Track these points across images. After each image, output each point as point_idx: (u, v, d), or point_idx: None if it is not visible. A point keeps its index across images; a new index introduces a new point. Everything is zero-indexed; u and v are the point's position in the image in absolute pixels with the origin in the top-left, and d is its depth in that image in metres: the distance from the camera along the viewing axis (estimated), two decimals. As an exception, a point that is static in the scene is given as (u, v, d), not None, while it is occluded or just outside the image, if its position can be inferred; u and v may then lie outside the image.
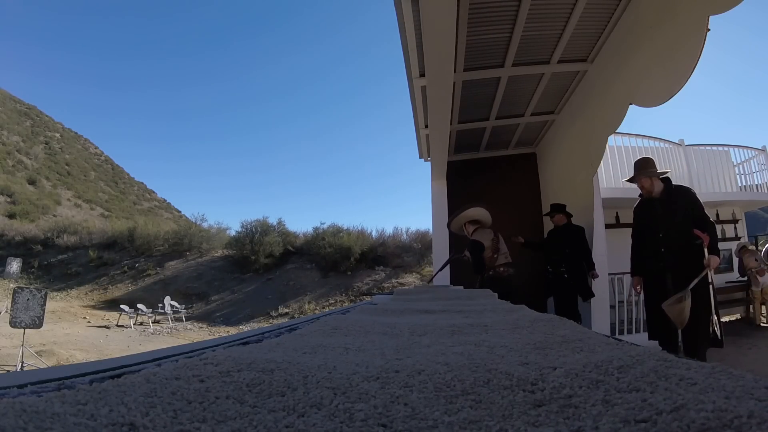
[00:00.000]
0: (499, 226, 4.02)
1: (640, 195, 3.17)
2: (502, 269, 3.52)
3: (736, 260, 7.09)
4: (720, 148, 7.88)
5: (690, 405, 0.36)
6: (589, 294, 4.06)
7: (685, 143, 7.41)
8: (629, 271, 3.31)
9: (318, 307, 12.55)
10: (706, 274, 2.75)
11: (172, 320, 12.27)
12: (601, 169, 5.88)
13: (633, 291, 3.43)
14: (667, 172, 3.25)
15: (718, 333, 2.82)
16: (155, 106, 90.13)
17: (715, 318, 2.79)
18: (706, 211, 2.91)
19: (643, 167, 3.11)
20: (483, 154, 5.97)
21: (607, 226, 5.40)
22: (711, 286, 2.81)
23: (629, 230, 3.32)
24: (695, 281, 2.66)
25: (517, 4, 3.17)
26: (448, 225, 4.00)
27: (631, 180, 3.18)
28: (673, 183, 3.12)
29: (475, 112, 4.82)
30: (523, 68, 4.00)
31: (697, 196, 2.99)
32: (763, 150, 8.02)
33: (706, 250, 2.78)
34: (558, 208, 4.22)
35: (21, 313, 6.52)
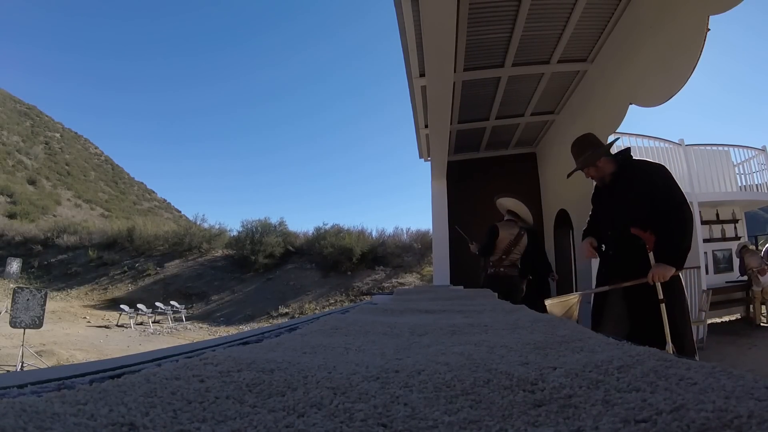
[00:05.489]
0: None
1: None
2: (502, 269, 3.52)
3: (736, 260, 7.10)
4: (720, 148, 7.88)
5: (690, 405, 0.36)
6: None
7: (685, 143, 7.40)
8: None
9: (318, 307, 12.55)
10: (656, 290, 1.82)
11: (172, 320, 12.27)
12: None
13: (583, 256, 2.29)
14: (616, 139, 2.55)
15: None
16: (155, 106, 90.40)
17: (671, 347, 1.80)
18: (681, 197, 1.87)
19: (581, 151, 2.11)
20: (483, 154, 5.97)
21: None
22: (676, 307, 1.87)
23: None
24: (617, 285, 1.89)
25: (517, 4, 3.17)
26: (496, 199, 3.77)
27: (570, 174, 2.26)
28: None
29: (475, 112, 4.82)
30: (523, 68, 4.00)
31: (668, 174, 1.94)
32: (763, 150, 8.02)
33: (651, 256, 1.84)
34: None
35: (21, 313, 6.52)
